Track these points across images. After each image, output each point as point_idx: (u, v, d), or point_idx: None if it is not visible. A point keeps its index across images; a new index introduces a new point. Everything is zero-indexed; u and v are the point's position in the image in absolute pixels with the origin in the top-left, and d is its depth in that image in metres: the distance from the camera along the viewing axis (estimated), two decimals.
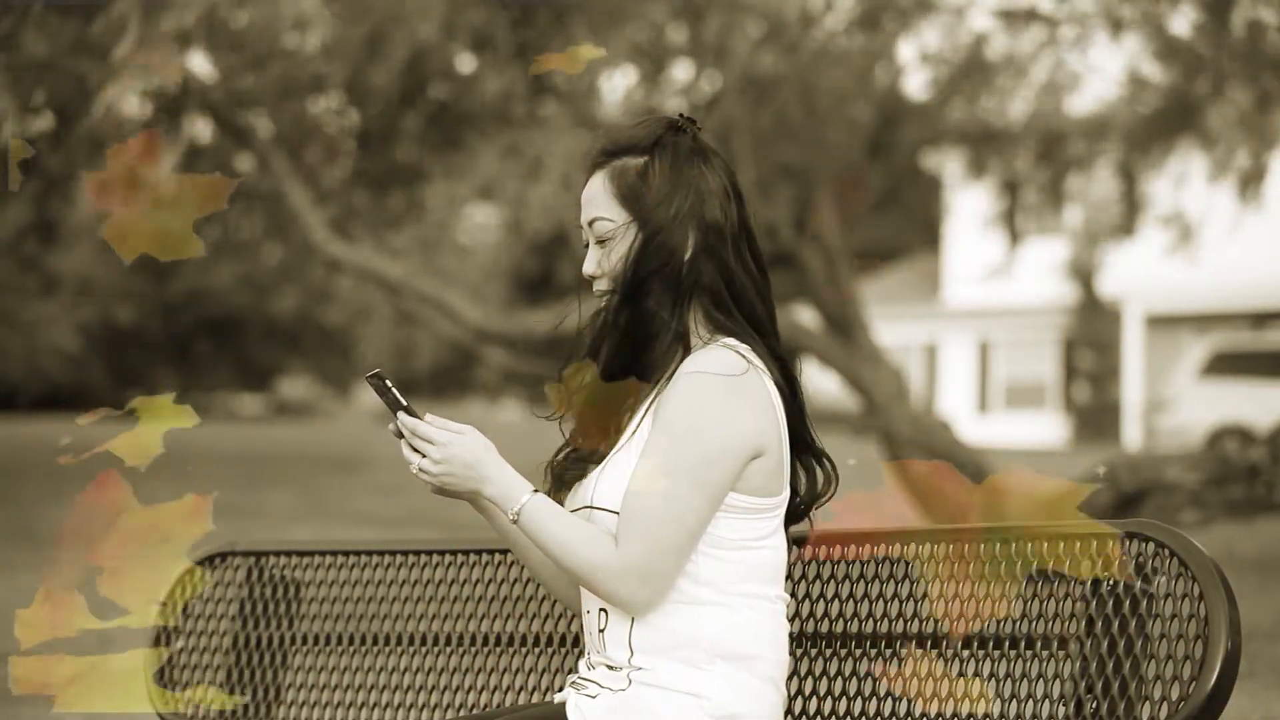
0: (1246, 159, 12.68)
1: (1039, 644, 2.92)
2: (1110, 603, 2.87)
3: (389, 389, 2.86)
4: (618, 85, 14.31)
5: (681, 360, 2.85)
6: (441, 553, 3.60)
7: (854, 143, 14.15)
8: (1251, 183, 12.62)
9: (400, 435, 2.89)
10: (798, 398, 2.92)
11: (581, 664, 2.96)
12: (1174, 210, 14.07)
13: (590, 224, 2.92)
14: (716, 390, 2.80)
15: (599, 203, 2.91)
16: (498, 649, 3.48)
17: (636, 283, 2.86)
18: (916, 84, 14.78)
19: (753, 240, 2.92)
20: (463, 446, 2.85)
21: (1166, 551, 2.85)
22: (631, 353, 2.86)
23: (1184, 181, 13.93)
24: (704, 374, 2.81)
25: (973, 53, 13.48)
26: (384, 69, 13.03)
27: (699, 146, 2.91)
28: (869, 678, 3.10)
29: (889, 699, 3.07)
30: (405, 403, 2.87)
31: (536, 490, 2.86)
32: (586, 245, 2.94)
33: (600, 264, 2.91)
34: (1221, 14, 11.92)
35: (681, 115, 2.96)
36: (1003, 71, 13.49)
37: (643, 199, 2.87)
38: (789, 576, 3.16)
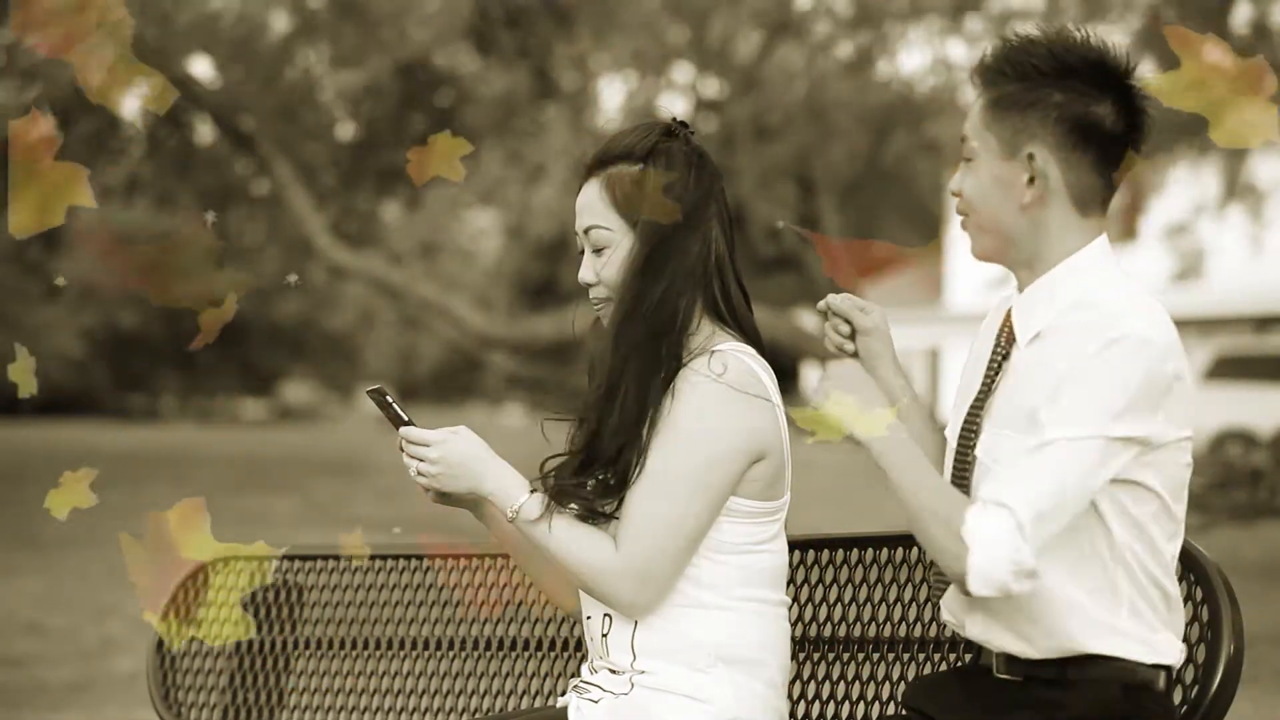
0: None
1: None
2: None
3: (390, 404, 2.87)
4: (619, 89, 14.32)
5: (681, 365, 2.85)
6: (443, 557, 3.60)
7: (858, 142, 14.17)
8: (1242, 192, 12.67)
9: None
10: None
11: (584, 668, 2.95)
12: (1178, 223, 14.08)
13: (586, 232, 2.91)
14: (718, 394, 2.80)
15: (595, 211, 2.90)
16: (500, 653, 3.48)
17: (635, 291, 2.85)
18: (922, 86, 14.79)
19: (734, 247, 2.93)
20: (455, 445, 2.85)
21: None
22: (617, 355, 2.85)
23: (1189, 189, 13.96)
24: (705, 378, 2.80)
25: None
26: (386, 74, 13.03)
27: (693, 152, 2.90)
28: (870, 682, 3.10)
29: (890, 703, 3.07)
30: (406, 417, 2.88)
31: (535, 490, 2.85)
32: (582, 252, 2.93)
33: (597, 272, 2.90)
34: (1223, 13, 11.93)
35: (675, 120, 2.95)
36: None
37: (639, 207, 2.87)
38: (790, 581, 3.16)
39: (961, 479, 2.70)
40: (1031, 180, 2.63)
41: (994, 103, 2.65)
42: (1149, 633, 2.60)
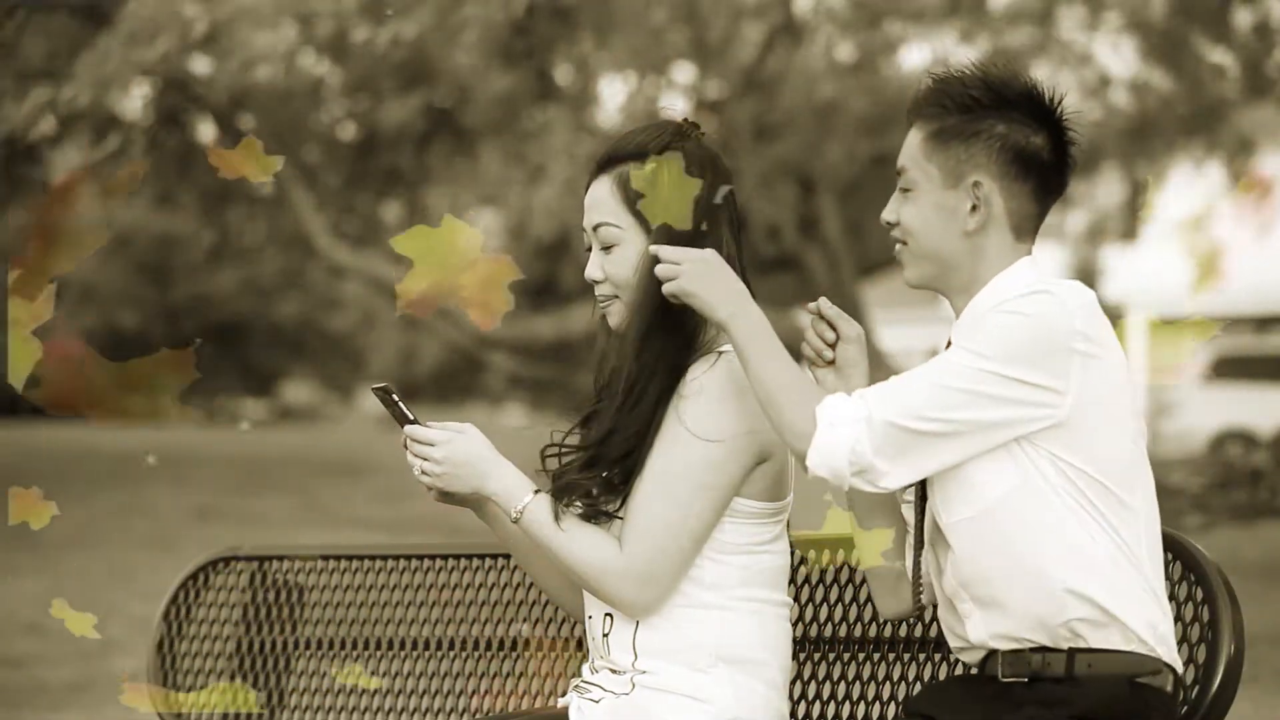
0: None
1: None
2: None
3: (395, 402, 2.87)
4: (619, 89, 14.32)
5: (688, 365, 2.85)
6: (444, 557, 3.60)
7: (856, 143, 14.17)
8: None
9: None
10: None
11: (585, 668, 2.95)
12: (1188, 219, 14.09)
13: (595, 229, 2.91)
14: (722, 395, 2.80)
15: (605, 208, 2.90)
16: (500, 653, 3.48)
17: (644, 289, 2.85)
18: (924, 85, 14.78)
19: (742, 249, 2.93)
20: (459, 444, 2.86)
21: (1170, 556, 2.85)
22: (638, 359, 2.85)
23: (1190, 187, 13.97)
24: (710, 379, 2.81)
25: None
26: (388, 75, 13.02)
27: (704, 152, 2.91)
28: (871, 682, 3.10)
29: (891, 703, 3.07)
30: (412, 415, 2.88)
31: (539, 491, 2.85)
32: (589, 249, 2.93)
33: (604, 269, 2.90)
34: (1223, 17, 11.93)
35: (687, 120, 2.95)
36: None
37: (654, 207, 2.87)
38: (791, 581, 3.16)
39: (920, 501, 2.76)
40: (974, 208, 2.73)
41: (935, 134, 2.75)
42: (1140, 604, 2.61)
